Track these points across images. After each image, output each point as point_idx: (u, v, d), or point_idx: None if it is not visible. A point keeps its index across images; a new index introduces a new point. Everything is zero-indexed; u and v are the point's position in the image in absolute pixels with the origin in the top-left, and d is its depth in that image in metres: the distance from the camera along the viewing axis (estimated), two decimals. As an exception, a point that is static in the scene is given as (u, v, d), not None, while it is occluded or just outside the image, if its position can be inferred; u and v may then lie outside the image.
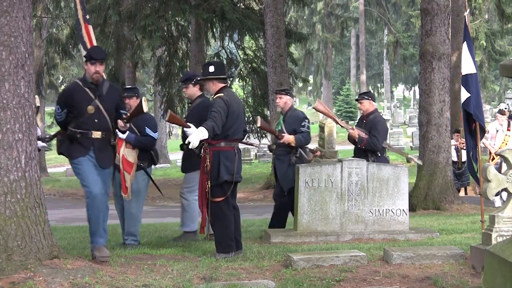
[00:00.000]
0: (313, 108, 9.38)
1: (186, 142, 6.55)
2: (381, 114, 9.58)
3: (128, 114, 6.61)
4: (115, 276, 5.57)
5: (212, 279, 5.77)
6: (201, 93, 8.16)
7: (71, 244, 7.86)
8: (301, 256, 6.37)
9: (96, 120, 6.38)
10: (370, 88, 69.57)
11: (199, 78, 7.58)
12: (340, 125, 9.52)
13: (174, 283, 5.57)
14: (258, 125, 8.84)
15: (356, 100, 9.73)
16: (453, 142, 14.39)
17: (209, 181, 6.81)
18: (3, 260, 5.28)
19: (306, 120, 8.67)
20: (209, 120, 6.68)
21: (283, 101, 8.51)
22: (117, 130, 7.43)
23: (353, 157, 8.95)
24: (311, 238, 8.01)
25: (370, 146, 8.99)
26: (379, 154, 9.08)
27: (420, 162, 11.06)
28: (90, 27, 8.29)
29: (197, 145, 6.50)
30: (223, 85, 7.04)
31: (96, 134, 6.39)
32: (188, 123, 7.08)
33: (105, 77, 6.69)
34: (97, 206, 6.29)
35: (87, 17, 8.45)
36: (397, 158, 26.65)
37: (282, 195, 8.59)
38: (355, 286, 5.72)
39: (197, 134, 6.48)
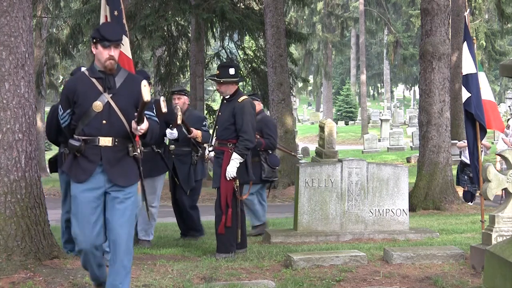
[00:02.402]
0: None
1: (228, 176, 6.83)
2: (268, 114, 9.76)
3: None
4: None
5: (212, 279, 5.77)
6: None
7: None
8: (301, 256, 6.37)
9: (104, 121, 4.73)
10: (370, 88, 69.68)
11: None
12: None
13: (174, 283, 5.57)
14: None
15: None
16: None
17: (237, 180, 6.88)
18: (3, 260, 5.28)
19: (206, 120, 8.71)
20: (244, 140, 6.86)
21: (182, 101, 8.24)
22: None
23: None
24: (311, 238, 8.01)
25: (269, 147, 9.03)
26: (270, 152, 9.07)
27: (300, 158, 11.24)
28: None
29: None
30: (237, 86, 7.15)
31: (105, 141, 4.73)
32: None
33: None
34: (88, 260, 4.77)
35: (115, 13, 7.07)
36: (397, 158, 26.68)
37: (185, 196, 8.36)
38: (355, 286, 5.72)
39: (236, 164, 6.82)
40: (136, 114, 4.69)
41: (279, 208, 14.64)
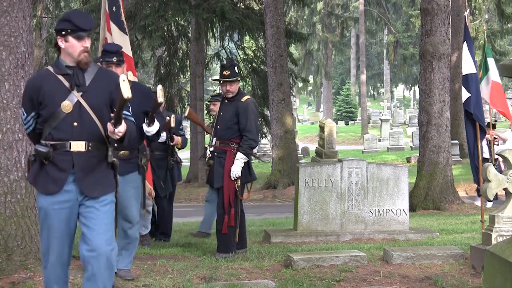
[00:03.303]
0: (185, 116, 9.29)
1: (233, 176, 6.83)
2: None
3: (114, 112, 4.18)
4: (115, 276, 5.56)
5: (212, 279, 5.77)
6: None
7: (71, 244, 7.84)
8: (301, 256, 6.37)
9: (75, 124, 4.13)
10: (370, 88, 69.68)
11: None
12: (207, 132, 9.45)
13: (174, 283, 5.57)
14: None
15: (209, 101, 9.82)
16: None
17: (239, 180, 6.90)
18: (3, 260, 5.28)
19: (182, 125, 8.66)
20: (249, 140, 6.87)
21: None
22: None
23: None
24: (311, 238, 8.02)
25: None
26: None
27: (266, 161, 11.20)
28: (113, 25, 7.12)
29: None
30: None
31: (78, 146, 4.12)
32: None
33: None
34: (51, 279, 4.26)
35: (113, 9, 7.09)
36: (397, 158, 26.68)
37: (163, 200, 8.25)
38: (355, 286, 5.72)
39: (241, 163, 6.84)
40: (112, 114, 4.07)
41: (279, 208, 14.64)
